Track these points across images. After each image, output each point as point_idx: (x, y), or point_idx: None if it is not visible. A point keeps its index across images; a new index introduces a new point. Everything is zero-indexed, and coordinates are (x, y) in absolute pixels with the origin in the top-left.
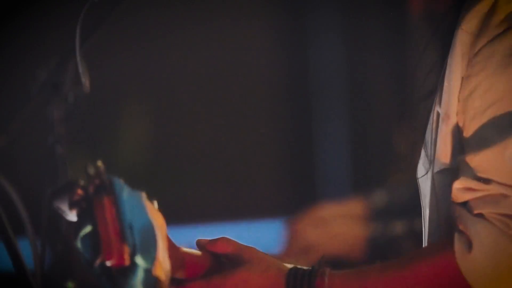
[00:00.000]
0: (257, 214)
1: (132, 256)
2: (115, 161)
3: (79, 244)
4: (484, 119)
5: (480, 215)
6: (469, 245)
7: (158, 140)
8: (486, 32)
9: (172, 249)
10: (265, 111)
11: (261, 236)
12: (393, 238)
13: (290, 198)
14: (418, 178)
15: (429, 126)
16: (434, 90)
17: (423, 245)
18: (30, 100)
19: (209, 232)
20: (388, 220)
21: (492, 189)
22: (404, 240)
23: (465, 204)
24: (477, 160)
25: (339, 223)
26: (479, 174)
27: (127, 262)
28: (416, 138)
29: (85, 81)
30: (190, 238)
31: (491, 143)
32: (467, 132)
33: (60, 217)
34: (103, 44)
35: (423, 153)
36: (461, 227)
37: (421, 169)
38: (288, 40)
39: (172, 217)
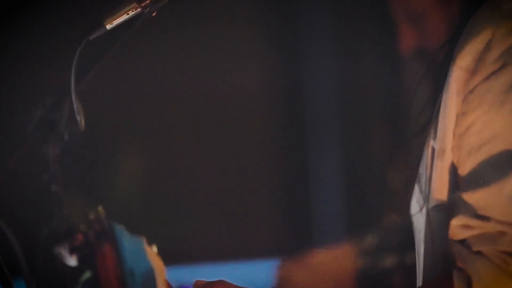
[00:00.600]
0: (253, 254)
1: None
2: (111, 199)
3: None
4: (480, 156)
5: (479, 253)
6: (468, 282)
7: (153, 178)
8: (481, 69)
9: None
10: (261, 152)
11: (257, 276)
12: (385, 275)
13: (286, 238)
14: (412, 215)
15: (423, 161)
16: (428, 125)
17: (417, 281)
18: (25, 138)
19: (206, 272)
20: (380, 257)
21: (491, 226)
22: (396, 276)
23: (463, 241)
24: (475, 198)
25: (330, 265)
26: (477, 212)
27: None
28: (410, 174)
29: (80, 119)
30: (187, 278)
31: (489, 181)
32: (463, 169)
33: (55, 257)
34: (98, 82)
35: (416, 188)
36: (460, 264)
37: (414, 205)
38: (282, 80)
39: (169, 257)
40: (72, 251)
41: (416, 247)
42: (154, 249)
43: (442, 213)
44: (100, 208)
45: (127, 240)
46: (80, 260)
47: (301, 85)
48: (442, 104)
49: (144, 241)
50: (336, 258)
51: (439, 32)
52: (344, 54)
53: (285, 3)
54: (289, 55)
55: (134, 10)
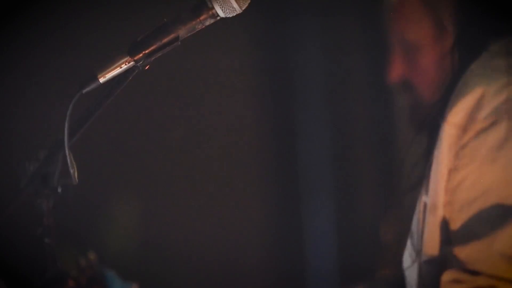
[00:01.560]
0: None
1: None
2: (105, 246)
3: None
4: (471, 211)
5: None
6: None
7: (146, 226)
8: (473, 126)
9: None
10: (254, 205)
11: None
12: None
13: None
14: (404, 269)
15: (415, 216)
16: (421, 181)
17: None
18: (19, 192)
19: None
20: None
21: (481, 281)
22: None
23: None
24: (466, 253)
25: None
26: (468, 266)
27: None
28: (402, 228)
29: (74, 172)
30: None
31: (479, 236)
32: (455, 224)
33: None
34: (90, 134)
35: (409, 243)
36: None
37: (407, 259)
38: (276, 136)
39: None
40: None
41: None
42: None
43: (434, 267)
44: (91, 254)
45: (118, 286)
46: None
47: (293, 141)
48: (434, 159)
49: (135, 287)
50: None
51: (428, 70)
52: (338, 100)
53: (276, 37)
54: (281, 107)
55: (127, 63)
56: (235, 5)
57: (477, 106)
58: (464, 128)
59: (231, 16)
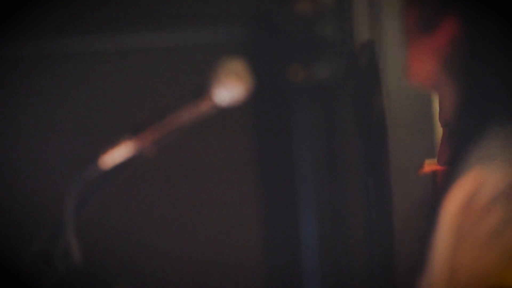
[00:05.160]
0: None
1: None
2: None
3: None
4: None
5: None
6: None
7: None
8: (471, 209)
9: None
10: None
11: None
12: None
13: None
14: None
15: None
16: (421, 262)
17: None
18: (21, 272)
19: None
20: None
21: None
22: None
23: None
24: None
25: None
26: None
27: None
28: None
29: (77, 253)
30: None
31: None
32: None
33: None
34: (92, 215)
35: None
36: None
37: None
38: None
39: None
40: None
41: None
42: None
43: None
44: None
45: None
46: None
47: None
48: (434, 240)
49: None
50: None
51: None
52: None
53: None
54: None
55: (129, 150)
56: (231, 94)
57: (476, 190)
58: (462, 212)
59: (233, 105)
